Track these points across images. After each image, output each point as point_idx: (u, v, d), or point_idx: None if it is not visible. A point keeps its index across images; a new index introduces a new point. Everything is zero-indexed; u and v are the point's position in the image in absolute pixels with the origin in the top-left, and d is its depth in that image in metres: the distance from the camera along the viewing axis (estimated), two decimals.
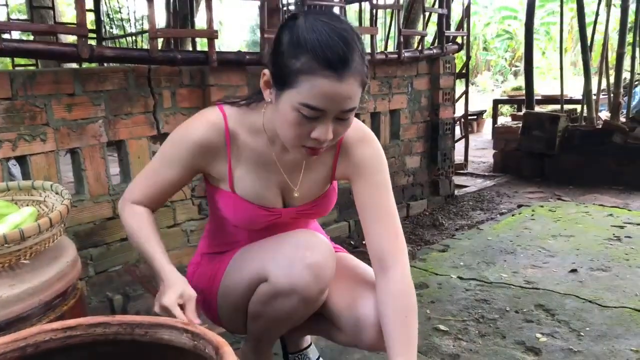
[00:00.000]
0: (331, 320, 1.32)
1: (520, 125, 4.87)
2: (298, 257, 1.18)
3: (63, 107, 1.96)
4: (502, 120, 7.45)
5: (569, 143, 4.58)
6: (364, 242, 3.00)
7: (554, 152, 4.58)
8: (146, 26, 3.68)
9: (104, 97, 2.06)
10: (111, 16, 8.17)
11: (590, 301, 2.10)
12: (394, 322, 1.17)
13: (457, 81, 4.16)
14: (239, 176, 1.24)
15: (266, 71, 1.09)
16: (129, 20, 8.55)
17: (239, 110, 1.22)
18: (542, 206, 3.58)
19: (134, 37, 7.15)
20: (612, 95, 4.74)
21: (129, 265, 1.22)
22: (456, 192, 4.08)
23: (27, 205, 1.13)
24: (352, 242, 3.10)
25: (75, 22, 1.94)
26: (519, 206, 3.73)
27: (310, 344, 1.60)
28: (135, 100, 2.16)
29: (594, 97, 4.82)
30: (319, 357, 1.60)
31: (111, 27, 8.43)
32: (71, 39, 3.84)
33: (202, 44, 7.91)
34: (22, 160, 1.91)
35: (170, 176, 1.22)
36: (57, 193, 1.11)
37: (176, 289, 1.08)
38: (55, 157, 1.97)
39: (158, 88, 2.22)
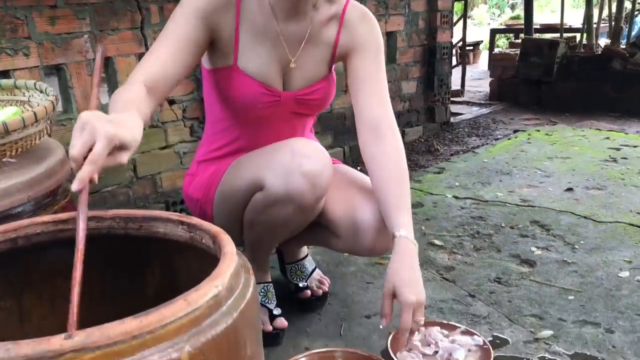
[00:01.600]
0: (329, 227, 1.32)
1: (518, 52, 4.77)
2: (294, 165, 1.15)
3: (45, 20, 1.87)
4: (500, 50, 7.30)
5: (567, 70, 4.50)
6: (359, 168, 2.99)
7: (551, 79, 4.50)
8: None
9: (88, 10, 1.97)
10: None
11: (585, 217, 2.11)
12: (392, 184, 1.20)
13: (455, 3, 4.03)
14: (244, 43, 1.21)
15: None
16: None
17: None
18: (538, 130, 3.55)
19: None
20: (613, 21, 4.62)
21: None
22: (452, 119, 4.04)
23: (11, 105, 1.08)
24: None
25: None
26: (515, 131, 3.70)
27: (307, 255, 1.61)
28: (121, 15, 2.06)
29: (594, 24, 4.71)
30: (315, 268, 1.61)
31: None
32: None
33: None
34: (5, 75, 1.84)
35: (188, 32, 1.10)
36: (41, 91, 1.06)
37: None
38: (40, 73, 1.90)
39: (145, 2, 2.11)
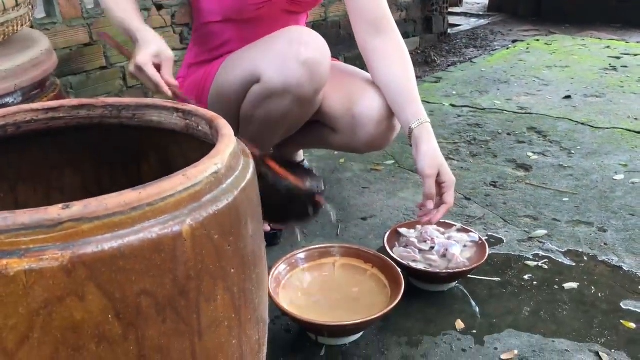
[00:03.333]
0: (327, 122, 1.29)
1: None
2: (292, 53, 1.10)
3: None
4: None
5: None
6: None
7: None
8: None
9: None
10: None
11: (582, 123, 2.10)
12: (399, 75, 1.19)
13: None
14: None
15: None
16: None
17: None
18: (537, 40, 3.47)
19: None
20: None
21: (102, 32, 1.14)
22: (449, 30, 3.92)
23: None
24: None
25: None
26: (514, 42, 3.62)
27: (303, 160, 1.60)
28: None
29: None
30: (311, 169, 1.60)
31: None
32: None
33: None
34: None
35: None
36: None
37: (151, 47, 1.02)
38: None
39: None
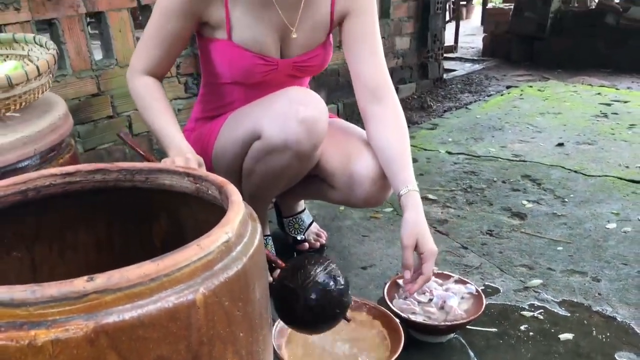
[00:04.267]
0: (325, 178, 1.34)
1: (512, 7, 4.72)
2: (292, 112, 1.17)
3: None
4: (493, 5, 7.21)
5: (560, 25, 4.48)
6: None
7: (544, 35, 4.48)
8: None
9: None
10: None
11: (575, 171, 2.16)
12: (394, 142, 1.23)
13: None
14: (237, 18, 1.20)
15: None
16: None
17: None
18: (530, 86, 3.57)
19: None
20: None
21: (122, 130, 1.20)
22: (445, 75, 4.03)
23: (10, 59, 1.08)
24: None
25: None
26: (508, 87, 3.72)
27: (304, 209, 1.64)
28: None
29: None
30: (312, 221, 1.65)
31: None
32: None
33: None
34: None
35: (175, 29, 1.19)
36: (41, 45, 1.06)
37: (184, 154, 1.08)
38: (32, 28, 1.87)
39: None
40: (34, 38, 1.08)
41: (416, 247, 1.15)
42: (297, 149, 1.19)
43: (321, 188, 1.39)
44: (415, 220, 1.15)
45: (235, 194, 0.78)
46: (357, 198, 1.31)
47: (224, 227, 0.68)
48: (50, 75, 1.00)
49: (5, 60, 1.08)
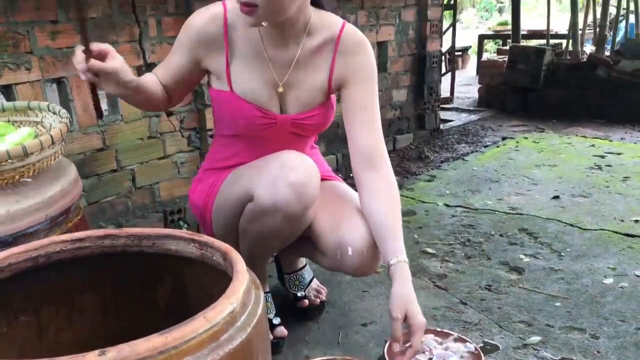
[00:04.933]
0: (315, 243, 1.36)
1: (506, 59, 4.86)
2: (282, 177, 1.21)
3: (47, 35, 1.91)
4: (488, 56, 7.41)
5: (553, 77, 4.60)
6: (351, 175, 3.05)
7: (538, 87, 4.60)
8: None
9: (88, 24, 2.00)
10: None
11: (571, 225, 2.19)
12: (386, 213, 1.25)
13: (444, 13, 4.11)
14: (235, 70, 1.28)
15: None
16: None
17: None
18: (526, 138, 3.64)
19: None
20: (597, 28, 4.73)
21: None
22: (441, 126, 4.11)
23: (24, 125, 1.12)
24: (339, 175, 3.14)
25: None
26: (504, 138, 3.79)
27: (305, 265, 1.66)
28: (120, 29, 2.10)
29: (579, 31, 4.81)
30: (313, 277, 1.66)
31: None
32: None
33: None
34: (7, 89, 1.87)
35: (178, 61, 1.31)
36: (54, 113, 1.11)
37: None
38: (42, 86, 1.93)
39: (143, 16, 2.16)
40: (48, 106, 1.13)
41: (405, 319, 1.15)
42: (287, 211, 1.22)
43: (314, 251, 1.41)
44: (404, 292, 1.16)
45: (239, 262, 0.81)
46: (346, 267, 1.32)
47: (229, 298, 0.70)
48: (63, 143, 1.04)
49: (19, 127, 1.12)
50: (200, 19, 1.28)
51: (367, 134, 1.30)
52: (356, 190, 1.36)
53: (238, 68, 1.28)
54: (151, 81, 1.29)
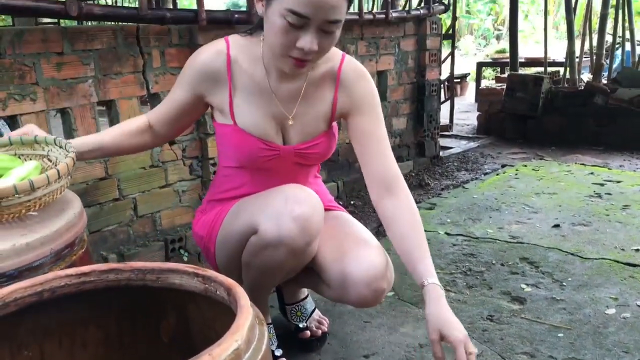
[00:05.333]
0: (319, 274, 1.37)
1: (504, 87, 4.91)
2: (286, 210, 1.22)
3: (52, 66, 1.94)
4: (486, 83, 7.49)
5: (551, 104, 4.65)
6: (352, 202, 3.06)
7: (536, 114, 4.64)
8: None
9: (93, 56, 2.04)
10: None
11: (572, 254, 2.19)
12: (412, 235, 1.26)
13: (443, 42, 4.17)
14: (238, 104, 1.30)
15: None
16: None
17: (243, 40, 1.32)
18: (525, 166, 3.66)
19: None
20: (594, 56, 4.79)
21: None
22: (441, 153, 4.14)
23: (31, 159, 1.14)
24: (340, 202, 3.15)
25: None
26: (503, 166, 3.81)
27: (307, 295, 1.66)
28: (124, 60, 2.14)
29: (576, 59, 4.88)
30: (314, 308, 1.66)
31: None
32: None
33: (181, 4, 7.78)
34: (12, 119, 1.90)
35: (179, 96, 1.35)
36: (60, 147, 1.13)
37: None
38: (46, 116, 1.96)
39: (147, 47, 2.19)
40: (54, 140, 1.15)
41: (443, 339, 1.15)
42: (291, 245, 1.23)
43: (318, 283, 1.41)
44: (436, 312, 1.17)
45: (243, 297, 0.81)
46: (351, 299, 1.32)
47: (234, 335, 0.70)
48: (69, 177, 1.06)
49: (25, 161, 1.14)
50: (204, 55, 1.31)
51: (381, 162, 1.32)
52: (360, 220, 1.37)
53: (241, 102, 1.30)
54: (122, 135, 1.36)
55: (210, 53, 1.30)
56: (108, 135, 1.36)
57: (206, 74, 1.30)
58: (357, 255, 1.30)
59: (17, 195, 0.93)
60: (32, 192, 0.95)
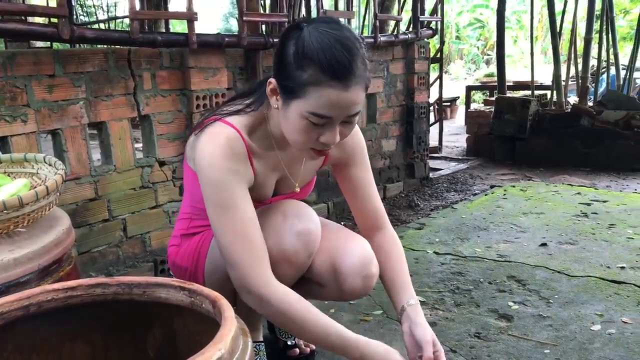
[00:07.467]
0: (313, 278, 1.38)
1: (493, 109, 4.99)
2: (287, 226, 1.23)
3: (44, 88, 1.97)
4: (475, 106, 7.59)
5: (539, 126, 4.72)
6: (342, 223, 3.08)
7: (524, 136, 4.71)
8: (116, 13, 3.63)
9: (84, 78, 2.07)
10: (81, 2, 8.08)
11: (558, 272, 2.21)
12: (398, 268, 1.38)
13: (431, 66, 4.24)
14: (259, 180, 1.29)
15: (272, 80, 1.13)
16: (100, 6, 8.47)
17: (243, 119, 1.22)
18: (513, 186, 3.70)
19: (106, 24, 7.06)
20: (580, 80, 4.89)
21: None
22: (431, 174, 4.18)
23: (20, 177, 1.16)
24: None
25: (47, 5, 1.94)
26: (492, 187, 3.85)
27: None
28: (115, 82, 2.17)
29: (563, 82, 4.97)
30: None
31: (82, 15, 8.34)
32: (39, 21, 3.78)
33: (174, 27, 7.88)
34: (3, 141, 1.91)
35: (252, 212, 1.17)
36: (50, 165, 1.15)
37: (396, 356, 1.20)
38: (37, 138, 1.98)
39: (138, 70, 2.23)
40: (44, 158, 1.16)
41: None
42: (295, 261, 1.25)
43: (310, 288, 1.42)
44: (424, 322, 1.32)
45: (228, 309, 0.83)
46: (347, 292, 1.36)
47: (217, 344, 0.72)
48: (58, 193, 1.07)
49: (15, 178, 1.16)
50: (222, 149, 1.15)
51: (371, 205, 1.43)
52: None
53: (261, 178, 1.29)
54: (310, 306, 1.16)
55: (227, 143, 1.17)
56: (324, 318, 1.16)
57: (237, 159, 1.18)
58: (345, 247, 1.35)
59: (5, 211, 0.95)
60: (20, 208, 0.97)
